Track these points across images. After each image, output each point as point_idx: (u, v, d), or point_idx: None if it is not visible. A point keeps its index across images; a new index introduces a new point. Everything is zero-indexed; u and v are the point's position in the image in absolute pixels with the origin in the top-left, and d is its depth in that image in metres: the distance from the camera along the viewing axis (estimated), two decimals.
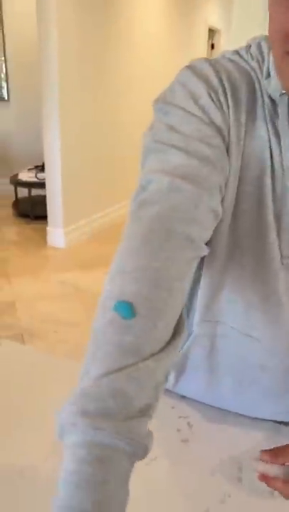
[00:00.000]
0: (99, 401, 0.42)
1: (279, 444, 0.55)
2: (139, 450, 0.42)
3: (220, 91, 0.54)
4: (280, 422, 0.75)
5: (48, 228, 3.66)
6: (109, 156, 3.96)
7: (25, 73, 4.64)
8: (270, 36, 0.49)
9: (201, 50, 5.87)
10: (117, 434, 0.40)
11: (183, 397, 0.79)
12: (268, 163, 0.56)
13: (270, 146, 0.56)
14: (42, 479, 0.63)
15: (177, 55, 4.92)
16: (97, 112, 3.64)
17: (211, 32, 6.37)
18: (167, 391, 0.79)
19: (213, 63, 0.56)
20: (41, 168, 3.98)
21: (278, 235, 0.59)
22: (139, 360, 0.44)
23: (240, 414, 0.76)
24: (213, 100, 0.54)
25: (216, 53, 4.47)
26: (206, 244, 0.54)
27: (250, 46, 0.59)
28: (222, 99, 0.54)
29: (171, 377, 0.78)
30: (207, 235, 0.53)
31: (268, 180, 0.57)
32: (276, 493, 0.62)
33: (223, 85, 0.55)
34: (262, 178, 0.57)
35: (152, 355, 0.45)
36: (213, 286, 0.66)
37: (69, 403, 0.43)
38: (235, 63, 0.57)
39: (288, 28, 0.46)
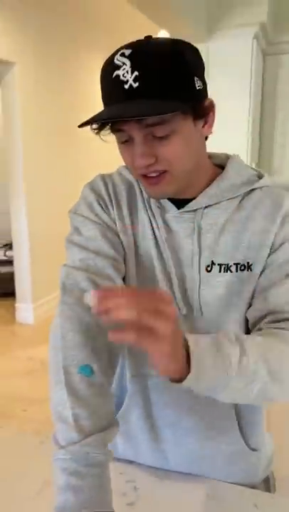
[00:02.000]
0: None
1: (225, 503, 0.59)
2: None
3: (106, 198, 0.78)
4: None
5: (16, 305, 3.68)
6: None
7: None
8: (125, 164, 0.71)
9: None
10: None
11: (131, 461, 0.84)
12: (152, 236, 0.76)
13: (152, 226, 0.76)
14: None
15: None
16: (63, 188, 3.81)
17: None
18: (116, 458, 0.84)
19: (105, 178, 0.80)
20: (10, 246, 4.08)
21: (172, 291, 0.75)
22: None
23: (188, 474, 0.81)
24: (101, 206, 0.77)
25: None
26: None
27: None
28: (108, 202, 0.78)
29: (119, 444, 0.84)
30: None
31: (154, 251, 0.76)
32: None
33: (108, 194, 0.78)
34: (150, 250, 0.76)
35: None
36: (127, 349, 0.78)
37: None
38: (120, 175, 0.80)
39: (128, 161, 0.69)
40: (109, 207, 0.77)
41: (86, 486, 0.54)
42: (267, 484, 0.89)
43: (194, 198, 0.74)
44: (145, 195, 0.77)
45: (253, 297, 0.74)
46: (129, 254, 0.76)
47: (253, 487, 0.82)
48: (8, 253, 4.09)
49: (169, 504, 0.75)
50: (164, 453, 0.82)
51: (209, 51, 3.30)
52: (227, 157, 0.80)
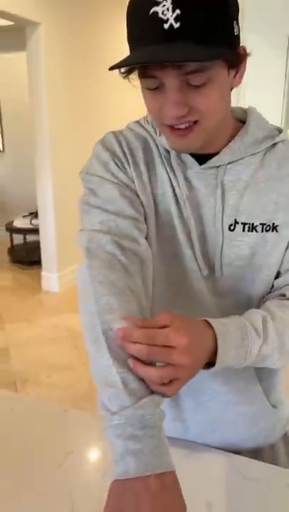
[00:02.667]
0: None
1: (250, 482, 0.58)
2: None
3: (121, 155, 0.73)
4: (254, 452, 0.78)
5: (42, 273, 3.71)
6: None
7: (19, 125, 4.85)
8: (148, 112, 0.66)
9: None
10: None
11: None
12: (172, 195, 0.72)
13: (172, 183, 0.73)
14: None
15: None
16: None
17: None
18: None
19: (117, 135, 0.75)
20: (35, 214, 4.09)
21: (193, 252, 0.73)
22: None
23: (210, 448, 0.78)
24: (117, 164, 0.72)
25: None
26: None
27: (147, 115, 0.75)
28: (124, 160, 0.73)
29: None
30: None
31: (175, 210, 0.72)
32: None
33: (123, 152, 0.73)
34: (170, 209, 0.73)
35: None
36: (156, 306, 0.74)
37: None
38: (133, 131, 0.76)
39: (155, 110, 0.63)
40: (126, 165, 0.73)
41: (145, 448, 0.52)
42: (286, 441, 0.88)
43: (216, 154, 0.71)
44: (162, 151, 0.73)
45: (282, 262, 0.73)
46: (149, 213, 0.73)
47: (272, 446, 0.84)
48: (34, 222, 4.10)
49: (194, 478, 0.72)
50: (184, 422, 0.81)
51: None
52: (244, 111, 0.76)
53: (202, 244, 0.73)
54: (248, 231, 0.71)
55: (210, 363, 0.61)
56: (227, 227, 0.72)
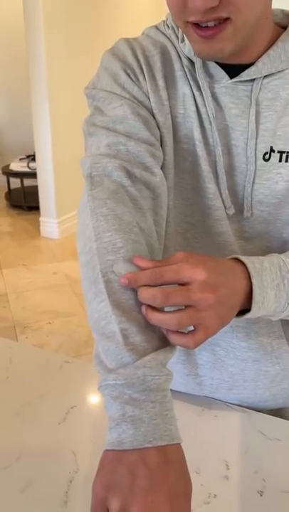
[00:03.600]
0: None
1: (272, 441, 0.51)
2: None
3: (134, 65, 0.61)
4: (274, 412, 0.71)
5: (40, 219, 3.60)
6: None
7: (14, 63, 4.54)
8: (169, 10, 0.55)
9: None
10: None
11: None
12: (195, 115, 0.61)
13: (195, 101, 0.61)
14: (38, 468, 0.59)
15: None
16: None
17: None
18: None
19: (130, 42, 0.63)
20: (33, 157, 3.91)
21: (217, 186, 0.62)
22: None
23: (227, 404, 0.72)
24: (129, 76, 0.60)
25: None
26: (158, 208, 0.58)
27: (167, 18, 0.65)
28: (137, 71, 0.61)
29: None
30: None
31: (198, 135, 0.61)
32: (265, 493, 0.58)
33: (138, 60, 0.61)
34: (192, 132, 0.61)
35: None
36: (170, 250, 0.65)
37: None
38: (150, 38, 0.64)
39: (177, 5, 0.52)
40: (140, 77, 0.61)
41: (145, 415, 0.42)
42: None
43: (251, 65, 0.59)
44: (185, 61, 0.61)
45: None
46: (166, 138, 0.61)
47: None
48: (31, 165, 3.93)
49: (210, 436, 0.66)
50: (197, 378, 0.73)
51: None
52: (286, 15, 0.63)
53: (229, 176, 0.62)
54: (286, 161, 0.60)
55: (244, 310, 0.51)
56: (261, 157, 0.61)
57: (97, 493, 0.40)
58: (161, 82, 0.61)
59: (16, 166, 4.08)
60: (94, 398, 0.76)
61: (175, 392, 0.73)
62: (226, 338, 0.69)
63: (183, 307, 0.46)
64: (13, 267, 3.09)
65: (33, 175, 3.76)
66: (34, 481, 0.59)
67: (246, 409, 0.71)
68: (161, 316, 0.46)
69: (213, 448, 0.65)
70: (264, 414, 0.70)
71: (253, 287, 0.49)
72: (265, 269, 0.51)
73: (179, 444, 0.44)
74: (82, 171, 0.58)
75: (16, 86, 4.61)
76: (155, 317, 0.46)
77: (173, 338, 0.46)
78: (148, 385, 0.43)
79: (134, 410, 0.42)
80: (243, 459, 0.63)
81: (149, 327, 0.47)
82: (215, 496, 0.57)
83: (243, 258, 0.51)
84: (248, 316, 0.51)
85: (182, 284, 0.46)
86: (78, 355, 2.17)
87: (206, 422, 0.70)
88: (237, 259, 0.51)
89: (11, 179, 4.23)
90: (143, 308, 0.47)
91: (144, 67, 0.61)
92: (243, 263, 0.50)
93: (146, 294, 0.46)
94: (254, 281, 0.49)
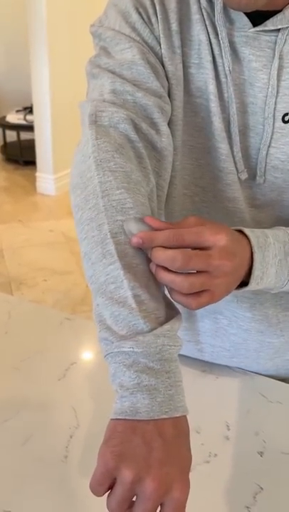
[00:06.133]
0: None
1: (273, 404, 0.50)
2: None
3: (148, 4, 0.55)
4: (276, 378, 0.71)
5: (37, 174, 3.52)
6: None
7: (11, 7, 4.29)
8: None
9: None
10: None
11: None
12: (210, 66, 0.55)
13: (212, 50, 0.55)
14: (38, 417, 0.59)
15: None
16: (89, 51, 3.39)
17: None
18: None
19: None
20: (30, 110, 3.77)
21: (230, 147, 0.57)
22: None
23: (229, 368, 0.71)
24: (141, 16, 0.54)
25: None
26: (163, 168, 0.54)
27: None
28: (150, 11, 0.55)
29: None
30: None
31: (213, 88, 0.55)
32: (265, 454, 0.58)
33: None
34: (206, 86, 0.56)
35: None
36: (176, 215, 0.63)
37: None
38: None
39: None
40: (152, 18, 0.54)
41: (161, 385, 0.40)
42: None
43: (279, 12, 0.52)
44: (204, 2, 0.54)
45: None
46: (175, 90, 0.56)
47: None
48: (28, 117, 3.80)
49: (211, 398, 0.66)
50: (198, 345, 0.71)
51: None
52: None
53: (243, 137, 0.58)
54: None
55: (242, 283, 0.49)
56: (280, 118, 0.55)
57: (106, 462, 0.38)
58: (174, 26, 0.55)
59: (13, 118, 3.94)
60: (95, 356, 0.75)
61: (182, 357, 0.72)
62: (230, 307, 0.67)
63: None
64: (8, 223, 3.05)
65: (30, 128, 3.64)
66: (34, 435, 0.59)
67: (248, 372, 0.71)
68: (172, 276, 0.43)
69: (214, 408, 0.64)
70: (266, 378, 0.70)
71: (254, 262, 0.47)
72: (268, 244, 0.49)
73: (186, 416, 0.43)
74: (82, 116, 0.53)
75: (13, 30, 4.37)
76: (167, 277, 0.43)
77: (176, 296, 0.45)
78: (163, 354, 0.42)
79: (150, 379, 0.41)
80: (244, 421, 0.63)
81: (158, 295, 0.45)
82: (215, 455, 0.57)
83: (247, 231, 0.49)
84: (244, 289, 0.49)
85: (200, 249, 0.44)
86: (74, 313, 2.18)
87: (208, 383, 0.69)
88: (242, 232, 0.49)
89: (7, 132, 4.10)
90: (153, 266, 0.44)
91: (157, 7, 0.54)
92: (246, 236, 0.48)
93: (163, 255, 0.43)
94: (255, 256, 0.47)
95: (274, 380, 0.70)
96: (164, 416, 0.40)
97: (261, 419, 0.63)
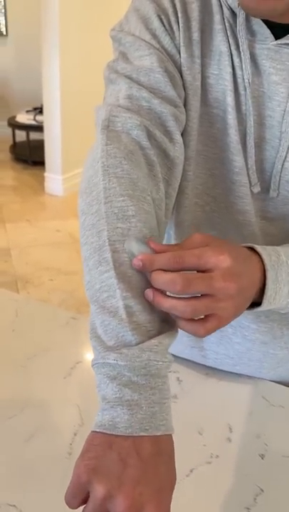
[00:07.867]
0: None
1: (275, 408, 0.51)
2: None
3: (170, 11, 0.54)
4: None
5: (45, 174, 3.54)
6: None
7: (25, 4, 4.32)
8: None
9: None
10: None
11: (173, 356, 0.75)
12: (230, 77, 0.55)
13: (232, 61, 0.55)
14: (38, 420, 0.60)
15: None
16: (100, 51, 3.41)
17: None
18: None
19: None
20: (40, 110, 3.80)
21: (245, 160, 0.57)
22: None
23: (233, 373, 0.72)
24: (162, 23, 0.54)
25: None
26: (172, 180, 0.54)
27: None
28: (172, 19, 0.54)
29: None
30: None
31: (231, 100, 0.55)
32: (267, 455, 0.58)
33: (174, 5, 0.54)
34: (225, 97, 0.56)
35: None
36: (186, 224, 0.62)
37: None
38: None
39: None
40: (174, 26, 0.54)
41: (144, 401, 0.39)
42: None
43: None
44: (227, 14, 0.54)
45: None
46: (192, 100, 0.56)
47: None
48: (38, 118, 3.83)
49: (214, 401, 0.67)
50: (202, 351, 0.71)
51: None
52: None
53: (259, 150, 0.57)
54: None
55: (254, 303, 0.48)
56: None
57: (79, 475, 0.37)
58: (196, 36, 0.54)
59: (22, 118, 3.98)
60: None
61: (179, 358, 0.73)
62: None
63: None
64: (16, 222, 3.07)
65: (39, 128, 3.67)
66: (39, 431, 0.60)
67: (251, 377, 0.71)
68: (173, 301, 0.41)
69: (217, 411, 0.65)
70: (269, 381, 0.71)
71: (267, 281, 0.46)
72: (281, 262, 0.47)
73: (171, 435, 0.41)
74: (97, 120, 0.53)
75: (26, 30, 4.39)
76: (167, 303, 0.41)
77: (182, 324, 0.43)
78: (149, 369, 0.40)
79: (132, 394, 0.39)
80: (246, 423, 0.63)
81: (152, 307, 0.43)
82: (217, 456, 0.58)
83: (259, 249, 0.47)
84: (257, 309, 0.48)
85: (202, 271, 0.42)
86: (79, 314, 2.19)
87: (211, 385, 0.70)
88: (253, 250, 0.48)
89: (17, 132, 4.13)
90: (150, 292, 0.42)
91: (179, 15, 0.54)
92: (258, 254, 0.47)
93: (163, 279, 0.41)
94: (268, 275, 0.46)
95: (276, 384, 0.70)
96: (143, 433, 0.38)
97: (263, 422, 0.64)
